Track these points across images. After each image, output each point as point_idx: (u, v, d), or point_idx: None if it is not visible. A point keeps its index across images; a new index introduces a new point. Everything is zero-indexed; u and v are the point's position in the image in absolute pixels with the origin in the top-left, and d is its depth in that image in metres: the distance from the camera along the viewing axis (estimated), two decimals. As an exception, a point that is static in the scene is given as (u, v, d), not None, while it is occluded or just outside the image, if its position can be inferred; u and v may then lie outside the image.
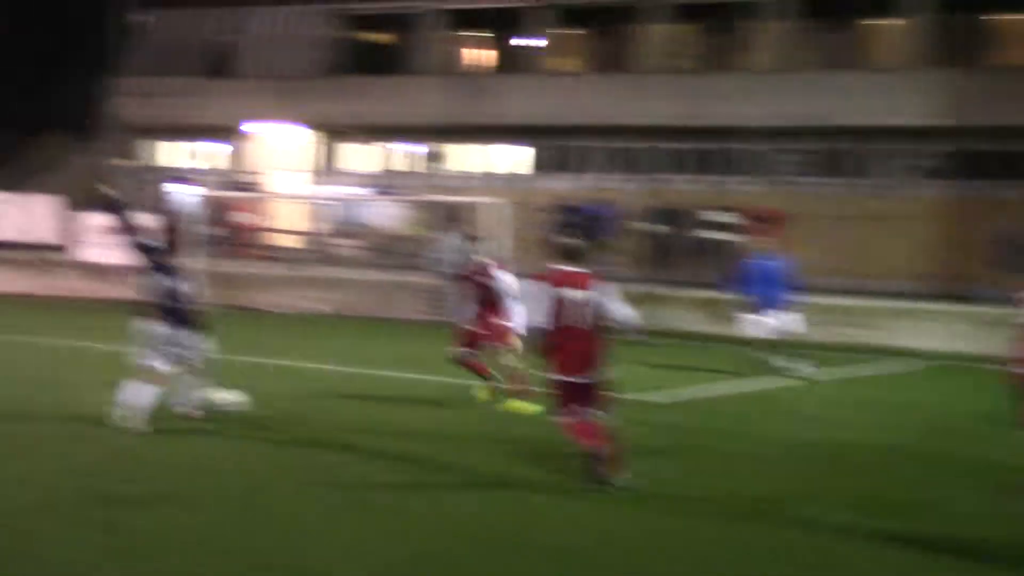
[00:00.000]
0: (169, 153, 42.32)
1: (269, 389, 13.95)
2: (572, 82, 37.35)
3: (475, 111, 36.83)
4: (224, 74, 41.08)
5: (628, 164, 36.27)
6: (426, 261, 28.78)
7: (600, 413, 9.47)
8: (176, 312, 11.62)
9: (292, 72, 40.07)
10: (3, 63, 50.19)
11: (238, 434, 11.34)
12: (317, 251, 33.98)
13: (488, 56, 42.51)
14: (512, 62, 40.19)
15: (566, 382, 9.54)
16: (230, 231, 33.54)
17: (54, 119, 45.38)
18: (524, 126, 36.58)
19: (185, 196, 35.49)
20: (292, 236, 34.34)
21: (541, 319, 9.59)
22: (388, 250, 33.18)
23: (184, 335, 11.53)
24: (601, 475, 9.24)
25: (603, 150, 36.64)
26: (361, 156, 39.93)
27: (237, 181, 39.45)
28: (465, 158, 38.51)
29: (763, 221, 20.41)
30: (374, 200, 35.44)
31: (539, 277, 9.78)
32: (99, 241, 30.54)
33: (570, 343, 9.47)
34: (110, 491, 8.84)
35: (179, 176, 39.95)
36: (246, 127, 40.18)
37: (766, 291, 17.44)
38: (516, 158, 37.89)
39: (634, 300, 10.78)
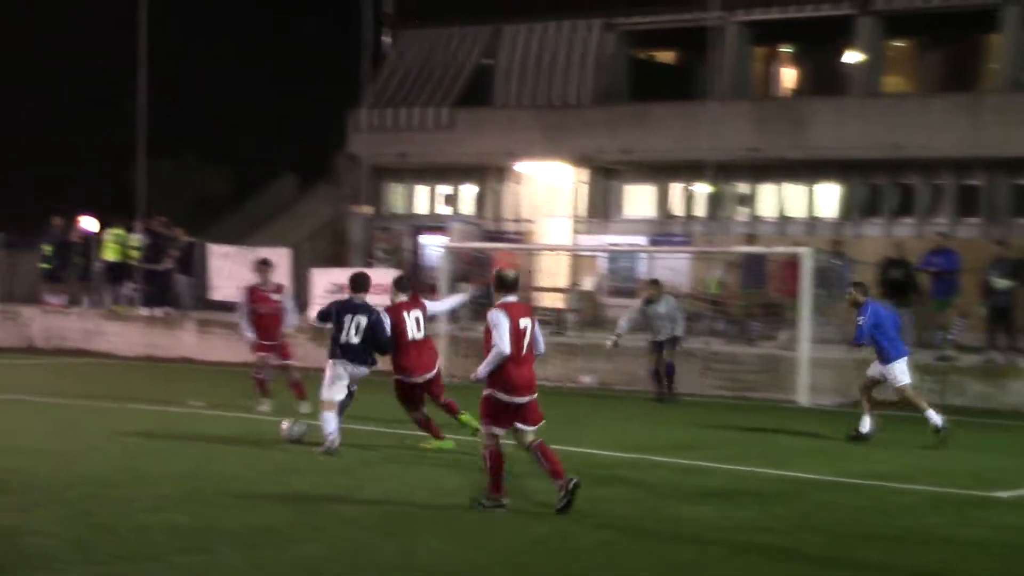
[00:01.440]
0: (415, 197, 43.89)
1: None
2: (898, 105, 37.12)
3: (781, 142, 36.97)
4: (479, 103, 42.39)
5: (965, 204, 35.79)
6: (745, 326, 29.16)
7: None
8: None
9: (558, 99, 41.13)
10: (237, 100, 53.77)
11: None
12: (583, 312, 34.77)
13: (798, 75, 42.70)
14: (826, 82, 40.23)
15: None
16: (483, 289, 34.75)
17: (288, 161, 48.16)
18: (839, 160, 36.54)
19: (431, 246, 37.08)
20: (554, 294, 35.24)
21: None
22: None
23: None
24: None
25: (932, 187, 36.25)
26: (640, 198, 40.55)
27: (491, 228, 40.73)
28: (769, 199, 38.63)
29: None
30: (655, 251, 35.99)
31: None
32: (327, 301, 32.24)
33: None
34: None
35: (426, 225, 41.65)
36: (502, 165, 41.36)
37: None
38: (827, 198, 37.82)
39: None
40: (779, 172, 37.98)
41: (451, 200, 42.94)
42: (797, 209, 38.00)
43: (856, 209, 37.14)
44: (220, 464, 15.46)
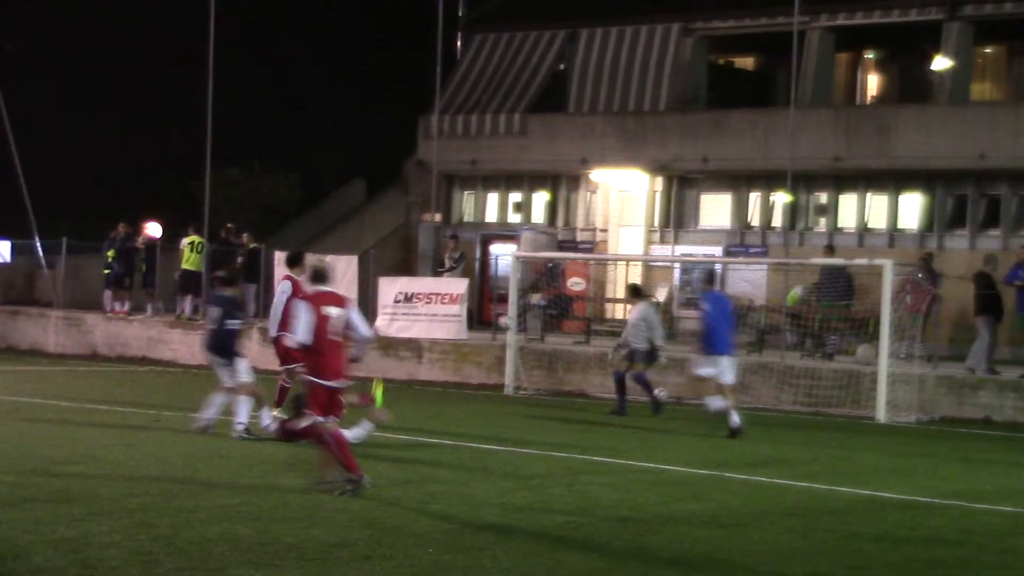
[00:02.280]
0: (486, 205, 43.95)
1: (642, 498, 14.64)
2: (986, 113, 36.70)
3: (864, 151, 36.70)
4: (553, 109, 42.40)
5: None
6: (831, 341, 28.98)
7: None
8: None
9: (634, 106, 41.05)
10: (306, 107, 54.12)
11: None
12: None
13: (882, 82, 42.39)
14: (912, 89, 39.90)
15: None
16: (555, 299, 34.77)
17: (357, 168, 48.37)
18: (925, 170, 36.22)
19: (500, 255, 37.08)
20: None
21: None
22: (749, 325, 33.53)
23: None
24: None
25: (1020, 198, 35.82)
26: (716, 207, 40.37)
27: (563, 238, 40.74)
28: (851, 210, 38.33)
29: None
30: (733, 263, 35.82)
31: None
32: (395, 311, 32.37)
33: None
34: None
35: (497, 233, 41.68)
36: (575, 172, 41.34)
37: None
38: (911, 209, 37.47)
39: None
40: (861, 182, 37.69)
41: (522, 208, 42.94)
42: (879, 220, 37.67)
43: (941, 221, 36.78)
44: (285, 477, 15.52)
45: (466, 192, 44.10)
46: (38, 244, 43.16)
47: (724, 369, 21.74)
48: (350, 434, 17.53)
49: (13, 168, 44.38)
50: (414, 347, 31.80)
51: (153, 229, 37.59)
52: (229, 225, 36.62)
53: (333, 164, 51.07)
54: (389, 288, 32.66)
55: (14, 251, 45.75)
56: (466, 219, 43.70)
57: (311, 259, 15.67)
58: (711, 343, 21.73)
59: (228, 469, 15.97)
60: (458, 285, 32.17)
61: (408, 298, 32.23)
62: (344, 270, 34.29)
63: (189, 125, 41.48)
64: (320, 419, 14.42)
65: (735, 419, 21.38)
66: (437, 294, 32.04)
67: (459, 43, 44.77)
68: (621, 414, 24.41)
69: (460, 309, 31.61)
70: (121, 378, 29.84)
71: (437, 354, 31.64)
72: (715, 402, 21.73)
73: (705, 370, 21.75)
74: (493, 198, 43.76)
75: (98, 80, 55.41)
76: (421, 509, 13.60)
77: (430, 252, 39.97)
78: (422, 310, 31.90)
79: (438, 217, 41.34)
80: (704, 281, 23.94)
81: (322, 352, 14.44)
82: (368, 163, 48.98)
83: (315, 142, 54.24)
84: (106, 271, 36.57)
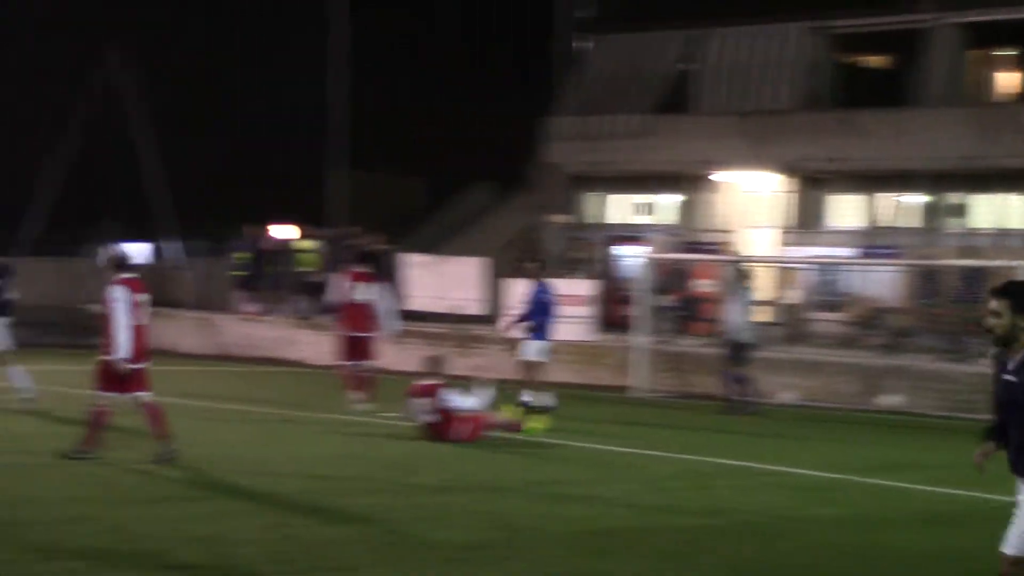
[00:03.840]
0: (612, 206, 43.92)
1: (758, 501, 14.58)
2: None
3: (999, 150, 36.10)
4: (678, 110, 42.25)
5: None
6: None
7: None
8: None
9: (762, 106, 40.76)
10: (432, 109, 54.48)
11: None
12: (787, 327, 34.40)
13: (1016, 80, 41.65)
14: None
15: None
16: (683, 301, 34.63)
17: (484, 170, 48.57)
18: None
19: (631, 259, 37.06)
20: (758, 308, 34.90)
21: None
22: (879, 327, 33.18)
23: None
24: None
25: None
26: (847, 208, 39.98)
27: (693, 240, 40.56)
28: (986, 210, 37.72)
29: None
30: (864, 264, 35.43)
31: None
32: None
33: None
34: None
35: (623, 234, 41.64)
36: (704, 174, 41.17)
37: None
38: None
39: None
40: (997, 181, 37.06)
41: (647, 209, 42.85)
42: (1017, 220, 37.00)
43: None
44: (417, 476, 15.64)
45: (591, 194, 44.08)
46: (173, 246, 44.05)
47: None
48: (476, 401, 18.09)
49: (151, 172, 45.26)
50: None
51: (279, 232, 38.10)
52: (355, 227, 36.93)
53: (460, 167, 51.34)
54: (515, 289, 32.72)
55: (154, 253, 46.74)
56: (591, 221, 43.70)
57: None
58: None
59: (363, 469, 16.13)
60: (586, 286, 32.15)
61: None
62: (471, 273, 34.52)
63: (319, 127, 41.98)
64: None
65: None
66: (566, 296, 32.02)
67: (584, 44, 44.70)
68: (747, 413, 24.29)
69: (588, 310, 31.58)
70: (253, 378, 30.26)
71: (565, 355, 31.61)
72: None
73: None
74: (617, 199, 43.69)
75: (231, 82, 56.27)
76: (551, 511, 13.63)
77: (557, 254, 40.04)
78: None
79: (565, 219, 41.38)
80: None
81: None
82: (495, 166, 49.19)
83: (442, 145, 54.57)
84: (236, 272, 37.12)
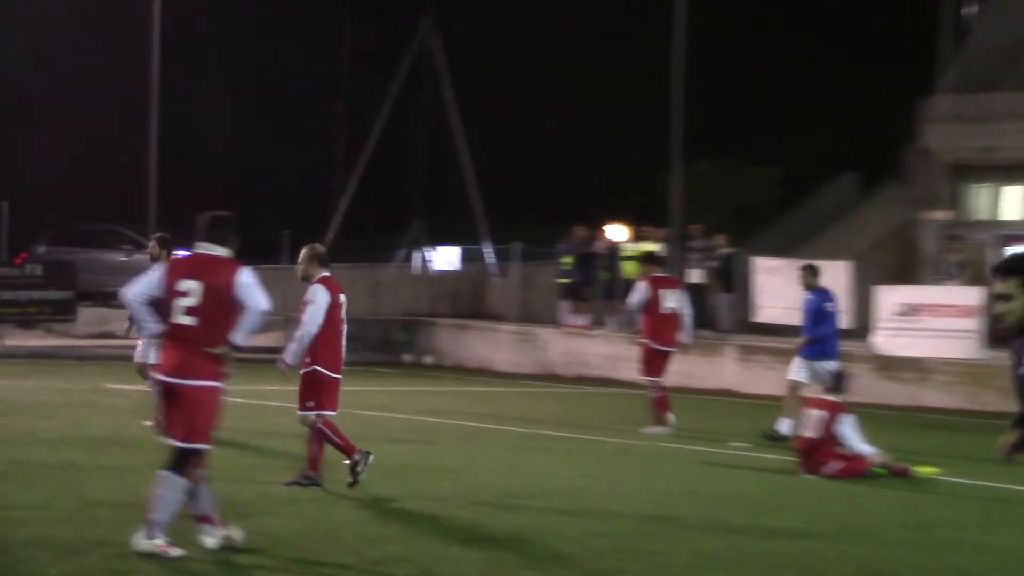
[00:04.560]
0: (1007, 200, 42.69)
1: None
2: None
3: None
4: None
5: None
6: None
7: None
8: None
9: None
10: (787, 91, 54.15)
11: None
12: None
13: None
14: None
15: None
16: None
17: (847, 159, 47.88)
18: None
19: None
20: None
21: None
22: None
23: None
24: None
25: None
26: None
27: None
28: None
29: None
30: None
31: None
32: (896, 326, 31.71)
33: None
34: None
35: (1015, 232, 40.37)
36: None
37: None
38: None
39: None
40: None
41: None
42: None
43: None
44: (771, 516, 15.39)
45: (979, 186, 42.91)
46: (488, 250, 44.69)
47: None
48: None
49: (462, 169, 46.16)
50: (917, 367, 31.08)
51: (614, 233, 38.15)
52: (697, 226, 36.73)
53: (820, 155, 50.67)
54: (889, 298, 32.06)
55: (463, 257, 47.50)
56: (978, 218, 42.51)
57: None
58: None
59: (706, 508, 15.96)
60: (972, 295, 31.25)
61: (912, 310, 31.53)
62: (835, 278, 33.87)
63: (656, 114, 41.99)
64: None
65: None
66: (946, 306, 31.22)
67: (970, 10, 43.60)
68: None
69: (974, 323, 30.69)
70: (580, 401, 30.40)
71: (946, 376, 30.82)
72: None
73: None
74: (1013, 192, 42.41)
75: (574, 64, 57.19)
76: (933, 562, 13.24)
77: (934, 256, 39.08)
78: (928, 324, 31.12)
79: (946, 215, 40.36)
80: None
81: None
82: (860, 154, 48.38)
83: (799, 131, 54.00)
84: (562, 280, 37.33)
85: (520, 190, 55.13)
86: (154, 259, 20.72)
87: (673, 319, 23.27)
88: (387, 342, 38.97)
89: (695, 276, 35.06)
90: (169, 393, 12.15)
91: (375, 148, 47.07)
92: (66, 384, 27.43)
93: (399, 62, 47.37)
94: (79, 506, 14.17)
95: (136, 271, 17.58)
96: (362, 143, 47.33)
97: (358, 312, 39.21)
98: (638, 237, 36.53)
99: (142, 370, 20.65)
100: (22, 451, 17.90)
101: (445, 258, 49.86)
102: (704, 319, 34.94)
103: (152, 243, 21.65)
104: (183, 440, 12.07)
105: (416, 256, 47.88)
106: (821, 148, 51.67)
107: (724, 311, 35.38)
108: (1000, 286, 7.24)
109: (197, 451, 12.14)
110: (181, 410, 12.08)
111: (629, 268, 34.76)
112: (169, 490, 12.03)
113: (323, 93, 58.37)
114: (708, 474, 18.86)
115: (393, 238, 48.99)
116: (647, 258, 24.93)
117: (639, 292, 23.37)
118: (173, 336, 12.20)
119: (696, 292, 35.27)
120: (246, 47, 58.36)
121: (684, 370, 33.79)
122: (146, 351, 20.30)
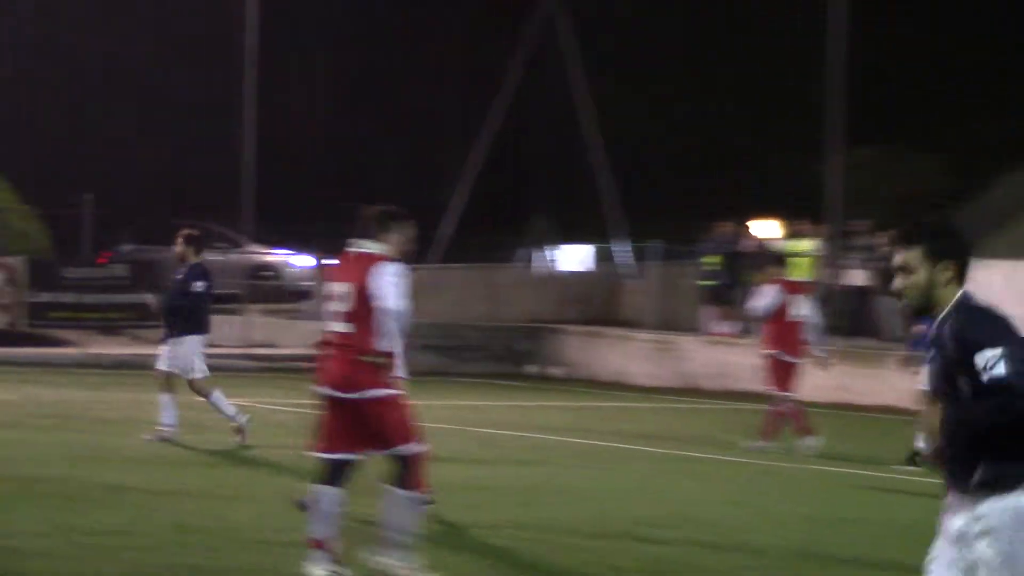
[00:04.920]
0: None
1: None
2: None
3: None
4: None
5: None
6: None
7: None
8: None
9: None
10: (961, 66, 53.60)
11: None
12: None
13: None
14: None
15: None
16: None
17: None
18: None
19: None
20: None
21: None
22: None
23: None
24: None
25: None
26: None
27: None
28: None
29: None
30: None
31: None
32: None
33: None
34: None
35: None
36: None
37: None
38: None
39: None
40: None
41: None
42: None
43: None
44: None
45: None
46: (621, 249, 44.54)
47: None
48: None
49: (591, 158, 46.02)
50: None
51: (763, 229, 37.94)
52: (861, 223, 36.47)
53: (1000, 140, 50.06)
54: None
55: (596, 258, 47.31)
56: None
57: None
58: None
59: (865, 537, 15.89)
60: None
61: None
62: (1015, 278, 33.36)
63: (810, 95, 41.78)
64: None
65: None
66: None
67: None
68: None
69: None
70: (725, 417, 30.26)
71: None
72: None
73: None
74: None
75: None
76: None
77: None
78: None
79: None
80: None
81: None
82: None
83: (975, 113, 53.38)
84: (706, 282, 37.17)
85: (659, 181, 54.93)
86: (182, 259, 20.58)
87: (800, 328, 23.20)
88: (509, 351, 38.95)
89: (857, 278, 34.84)
90: (338, 407, 11.99)
91: (493, 135, 46.91)
92: (153, 397, 27.78)
93: (519, 39, 47.30)
94: (169, 531, 14.39)
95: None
96: (477, 129, 47.17)
97: (474, 318, 39.52)
98: (793, 234, 36.33)
99: (167, 380, 20.77)
100: (105, 471, 18.16)
101: (572, 258, 49.62)
102: (866, 326, 34.70)
103: (179, 241, 20.78)
104: (386, 449, 11.97)
105: (539, 256, 47.81)
106: (998, 131, 51.02)
107: (889, 317, 35.03)
108: (900, 257, 6.97)
109: (409, 456, 11.97)
110: (366, 426, 11.93)
111: (794, 267, 34.77)
112: (395, 506, 11.91)
113: (431, 76, 58.66)
114: (865, 501, 18.76)
115: (512, 236, 48.91)
116: (773, 259, 24.83)
117: (768, 297, 23.20)
118: (330, 345, 12.09)
119: (859, 296, 35.15)
120: (347, 34, 58.87)
121: (839, 383, 33.52)
122: (172, 360, 20.54)
